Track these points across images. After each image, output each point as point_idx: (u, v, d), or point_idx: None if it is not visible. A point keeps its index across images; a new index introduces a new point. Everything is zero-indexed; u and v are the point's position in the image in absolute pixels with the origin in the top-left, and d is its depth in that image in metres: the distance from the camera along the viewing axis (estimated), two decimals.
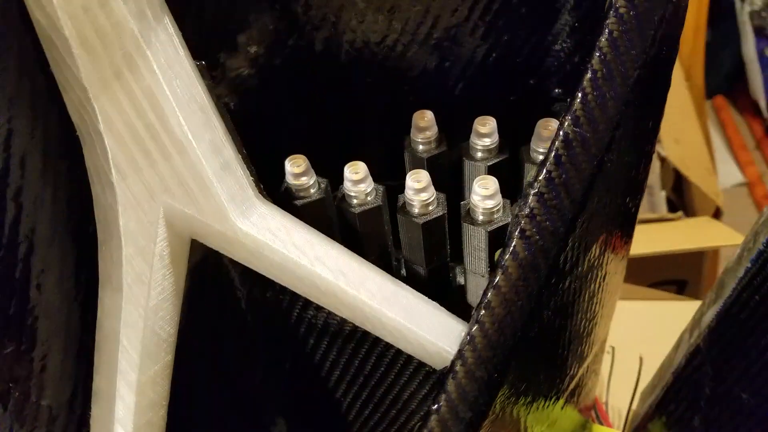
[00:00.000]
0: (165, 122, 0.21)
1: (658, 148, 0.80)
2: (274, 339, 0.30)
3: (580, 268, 0.23)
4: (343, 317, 0.23)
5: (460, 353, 0.19)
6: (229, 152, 0.22)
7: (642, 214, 0.71)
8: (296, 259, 0.22)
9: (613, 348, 0.49)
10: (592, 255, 0.24)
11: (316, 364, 0.29)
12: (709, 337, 0.32)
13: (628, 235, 0.29)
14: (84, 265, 0.23)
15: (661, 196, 0.83)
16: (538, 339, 0.22)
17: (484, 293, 0.19)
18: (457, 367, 0.19)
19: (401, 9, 0.25)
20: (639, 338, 0.50)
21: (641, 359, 0.48)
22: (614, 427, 0.48)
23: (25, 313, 0.21)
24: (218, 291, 0.28)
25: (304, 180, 0.25)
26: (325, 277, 0.22)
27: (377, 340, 0.26)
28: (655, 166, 0.81)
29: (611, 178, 0.22)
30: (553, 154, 0.19)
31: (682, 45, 0.37)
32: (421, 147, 0.27)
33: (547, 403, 0.26)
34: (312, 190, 0.25)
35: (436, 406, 0.19)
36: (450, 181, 0.27)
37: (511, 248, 0.19)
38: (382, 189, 0.25)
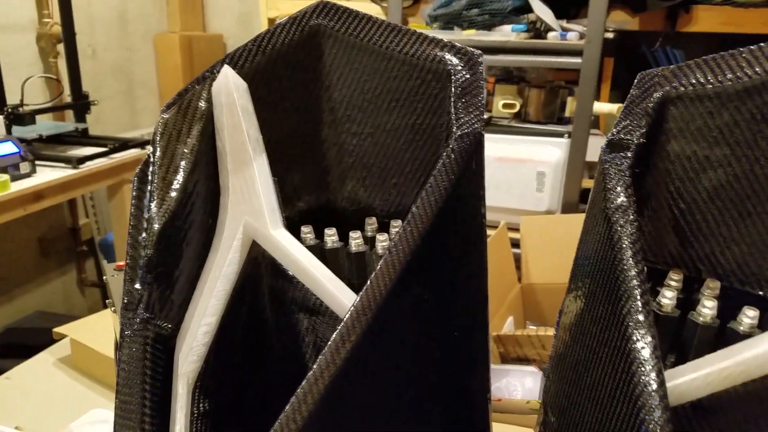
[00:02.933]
0: (255, 190, 0.51)
1: None
2: (279, 312, 0.57)
3: None
4: (318, 297, 0.50)
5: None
6: (275, 200, 0.51)
7: None
8: (302, 258, 0.50)
9: None
10: None
11: (297, 329, 0.56)
12: None
13: None
14: (206, 241, 0.53)
15: None
16: None
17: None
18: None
19: None
20: None
21: None
22: None
23: (181, 252, 0.51)
24: (254, 279, 0.56)
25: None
26: (313, 270, 0.49)
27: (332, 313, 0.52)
28: None
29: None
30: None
31: None
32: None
33: None
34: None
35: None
36: None
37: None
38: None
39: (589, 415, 0.45)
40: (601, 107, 1.59)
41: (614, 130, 0.52)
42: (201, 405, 0.48)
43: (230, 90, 0.51)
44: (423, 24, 1.96)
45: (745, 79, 0.47)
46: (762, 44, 0.47)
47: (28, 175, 1.66)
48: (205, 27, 2.79)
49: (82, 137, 2.02)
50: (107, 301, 0.63)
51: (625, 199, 0.47)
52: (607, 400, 0.43)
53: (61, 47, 2.15)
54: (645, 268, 0.43)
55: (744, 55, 0.48)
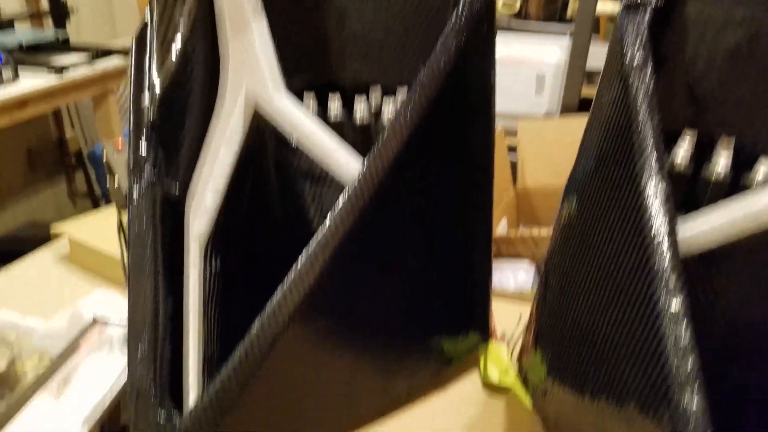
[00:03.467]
0: (255, 55, 0.48)
1: None
2: (284, 182, 0.56)
3: None
4: (322, 165, 0.49)
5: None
6: (276, 65, 0.49)
7: None
8: (305, 123, 0.48)
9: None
10: None
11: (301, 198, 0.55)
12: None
13: None
14: (208, 107, 0.51)
15: None
16: None
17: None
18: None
19: None
20: None
21: None
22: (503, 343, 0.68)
23: (184, 116, 0.49)
24: (258, 148, 0.54)
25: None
26: (317, 136, 0.48)
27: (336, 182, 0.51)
28: None
29: None
30: None
31: None
32: None
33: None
34: None
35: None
36: None
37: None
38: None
39: (596, 270, 0.46)
40: (605, 7, 1.54)
41: None
42: (213, 266, 0.48)
43: None
44: None
45: None
46: None
47: (11, 82, 1.61)
48: None
49: (63, 45, 1.95)
50: (113, 178, 0.62)
51: (643, 57, 0.46)
52: (615, 254, 0.43)
53: None
54: (661, 123, 0.42)
55: None
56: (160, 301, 0.43)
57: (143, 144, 0.45)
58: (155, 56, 0.48)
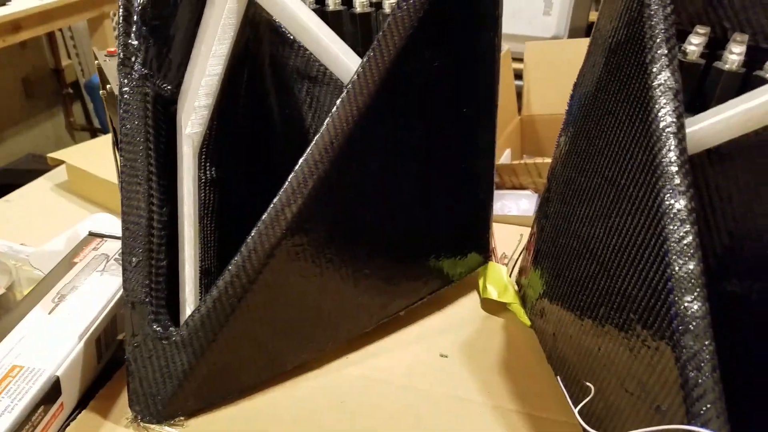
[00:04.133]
0: None
1: None
2: (280, 81, 0.53)
3: None
4: (320, 60, 0.46)
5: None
6: None
7: None
8: (302, 15, 0.46)
9: None
10: None
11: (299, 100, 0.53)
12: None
13: None
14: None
15: None
16: None
17: None
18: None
19: None
20: None
21: None
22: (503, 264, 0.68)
23: (176, 6, 0.46)
24: (253, 44, 0.52)
25: None
26: (315, 30, 0.45)
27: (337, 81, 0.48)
28: None
29: None
30: None
31: None
32: None
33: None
34: None
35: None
36: None
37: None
38: None
39: (599, 175, 0.44)
40: None
41: None
42: (208, 171, 0.47)
43: None
44: None
45: None
46: None
47: (2, 4, 1.56)
48: None
49: None
50: (107, 87, 0.60)
51: None
52: (620, 155, 0.42)
53: None
54: (673, 12, 0.40)
55: None
56: (154, 208, 0.42)
57: (133, 35, 0.42)
58: None
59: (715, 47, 0.47)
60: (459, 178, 0.55)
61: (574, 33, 1.48)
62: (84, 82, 2.28)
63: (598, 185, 0.44)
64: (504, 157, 1.40)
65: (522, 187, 1.32)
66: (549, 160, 1.33)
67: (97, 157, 1.07)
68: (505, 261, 0.66)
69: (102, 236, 0.56)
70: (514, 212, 1.14)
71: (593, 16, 1.63)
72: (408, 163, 0.49)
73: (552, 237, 0.53)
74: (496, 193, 1.20)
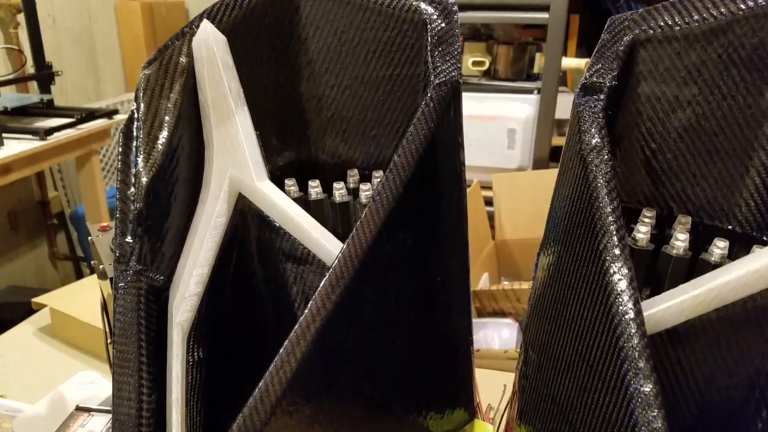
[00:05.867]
0: (238, 143, 0.51)
1: None
2: (267, 263, 0.57)
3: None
4: (305, 245, 0.50)
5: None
6: (258, 152, 0.52)
7: None
8: (288, 208, 0.50)
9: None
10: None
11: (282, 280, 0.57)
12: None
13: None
14: (193, 194, 0.53)
15: None
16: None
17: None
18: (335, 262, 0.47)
19: None
20: None
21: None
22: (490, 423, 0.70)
23: (170, 205, 0.51)
24: (242, 231, 0.56)
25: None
26: (300, 220, 0.50)
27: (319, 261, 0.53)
28: None
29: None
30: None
31: None
32: None
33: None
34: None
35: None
36: None
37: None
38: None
39: (569, 347, 0.48)
40: (569, 62, 1.61)
41: (587, 74, 0.53)
42: (195, 353, 0.49)
43: (210, 44, 0.51)
44: None
45: (711, 20, 0.49)
46: None
47: None
48: None
49: (48, 108, 1.97)
50: (92, 262, 0.63)
51: (599, 140, 0.49)
52: (586, 332, 0.45)
53: (21, 17, 2.08)
54: (620, 205, 0.45)
55: None
56: (143, 397, 0.44)
57: (129, 235, 0.46)
58: (142, 148, 0.50)
59: (663, 223, 0.52)
60: (439, 338, 0.58)
61: (537, 162, 1.58)
62: (69, 212, 2.32)
63: (571, 355, 0.47)
64: (482, 281, 1.44)
65: (502, 312, 1.35)
66: (526, 286, 1.37)
67: (80, 300, 1.08)
68: (491, 415, 0.68)
69: (89, 410, 0.57)
70: (496, 343, 1.16)
71: (555, 140, 1.74)
72: (389, 332, 0.52)
73: (533, 397, 0.55)
74: (477, 322, 1.23)
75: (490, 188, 1.47)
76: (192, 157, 0.51)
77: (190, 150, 0.51)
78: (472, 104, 1.61)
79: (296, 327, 0.45)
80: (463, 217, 0.57)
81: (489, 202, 1.49)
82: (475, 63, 1.82)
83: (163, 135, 0.49)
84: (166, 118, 0.50)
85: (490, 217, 1.50)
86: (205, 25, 0.52)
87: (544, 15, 1.62)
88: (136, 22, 2.52)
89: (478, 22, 1.92)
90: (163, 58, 0.51)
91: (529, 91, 1.66)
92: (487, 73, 1.85)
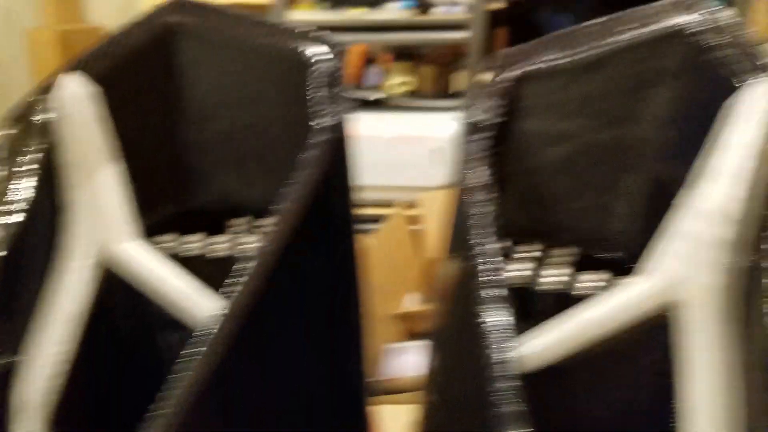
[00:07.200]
0: (101, 201, 0.48)
1: None
2: (138, 328, 0.54)
3: None
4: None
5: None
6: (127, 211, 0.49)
7: None
8: (154, 274, 0.48)
9: None
10: None
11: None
12: None
13: None
14: (50, 262, 0.49)
15: None
16: None
17: None
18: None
19: None
20: None
21: None
22: None
23: (24, 280, 0.48)
24: (108, 296, 0.53)
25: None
26: (168, 284, 0.48)
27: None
28: None
29: None
30: None
31: None
32: None
33: None
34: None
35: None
36: None
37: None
38: None
39: (458, 389, 0.47)
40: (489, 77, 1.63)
41: (474, 111, 0.53)
42: None
43: (75, 100, 0.49)
44: (312, 3, 1.93)
45: (597, 51, 0.49)
46: (619, 13, 0.49)
47: None
48: (83, 19, 2.62)
49: None
50: None
51: (480, 178, 0.48)
52: (470, 373, 0.44)
53: None
54: (496, 245, 0.44)
55: (597, 26, 0.49)
56: None
57: None
58: None
59: (543, 257, 0.52)
60: (329, 382, 0.56)
61: None
62: None
63: (464, 393, 0.46)
64: (410, 302, 1.43)
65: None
66: None
67: None
68: None
69: None
70: (411, 367, 1.14)
71: None
72: (276, 383, 0.51)
73: None
74: (401, 346, 1.22)
75: (418, 207, 1.47)
76: (50, 222, 0.49)
77: (49, 215, 0.48)
78: (396, 125, 1.62)
79: (162, 403, 0.43)
80: (354, 262, 0.56)
81: (416, 221, 1.49)
82: (403, 84, 1.83)
83: (20, 203, 0.46)
84: (24, 183, 0.47)
85: (420, 236, 1.49)
86: (70, 79, 0.50)
87: (465, 34, 1.64)
88: (50, 51, 2.42)
89: (398, 43, 1.93)
90: (24, 115, 0.49)
91: (454, 109, 1.68)
92: (413, 93, 1.86)
